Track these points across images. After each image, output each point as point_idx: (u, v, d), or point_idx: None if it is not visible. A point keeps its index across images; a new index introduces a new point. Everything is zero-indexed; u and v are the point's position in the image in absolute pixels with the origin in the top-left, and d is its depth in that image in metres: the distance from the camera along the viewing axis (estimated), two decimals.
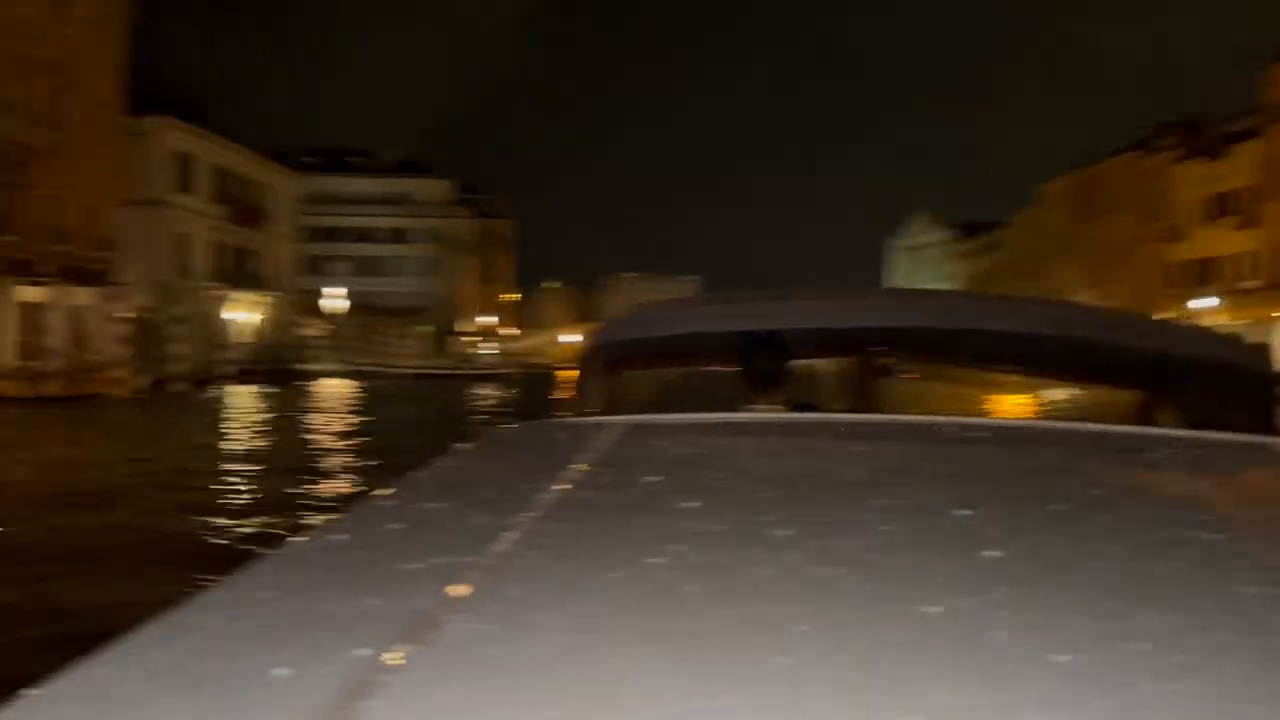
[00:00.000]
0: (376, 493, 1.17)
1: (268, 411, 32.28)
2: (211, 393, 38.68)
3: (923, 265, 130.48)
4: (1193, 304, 59.13)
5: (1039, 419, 2.79)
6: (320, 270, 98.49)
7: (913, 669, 0.63)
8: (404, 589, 0.80)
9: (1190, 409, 2.61)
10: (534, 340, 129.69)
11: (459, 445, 1.56)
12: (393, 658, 0.65)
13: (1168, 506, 1.17)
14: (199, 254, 49.49)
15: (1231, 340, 2.88)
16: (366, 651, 0.66)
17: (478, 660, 0.65)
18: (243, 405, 34.21)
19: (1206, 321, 57.10)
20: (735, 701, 0.59)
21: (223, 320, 51.69)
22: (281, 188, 59.88)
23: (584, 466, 1.31)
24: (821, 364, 3.27)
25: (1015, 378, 3.37)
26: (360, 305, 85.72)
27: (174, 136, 47.42)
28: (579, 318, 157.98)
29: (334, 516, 1.09)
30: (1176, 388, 2.69)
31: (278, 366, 52.50)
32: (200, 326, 45.82)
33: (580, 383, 3.06)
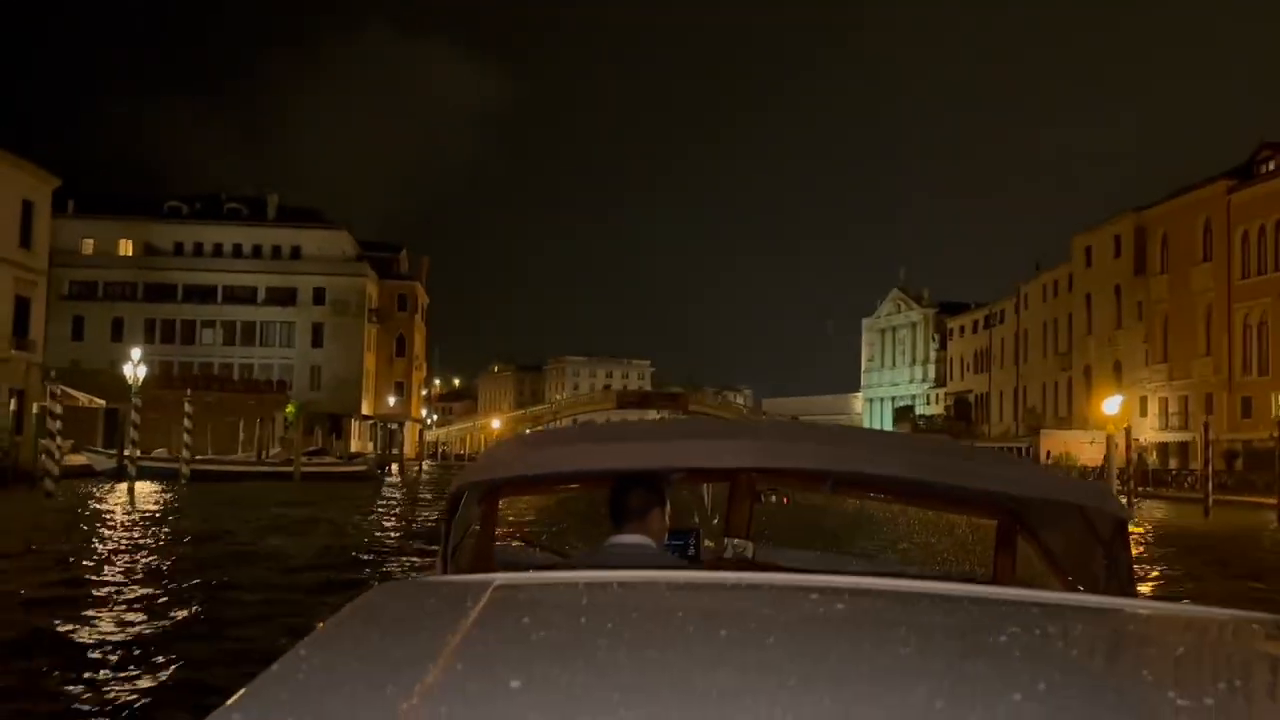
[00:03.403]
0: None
1: None
2: None
3: (898, 346, 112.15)
4: None
5: (918, 574, 2.92)
6: (182, 337, 77.71)
7: None
8: None
9: (1047, 548, 2.88)
10: (459, 426, 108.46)
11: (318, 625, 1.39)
12: None
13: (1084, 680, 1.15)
14: None
15: (1089, 485, 3.02)
16: None
17: None
18: None
19: None
20: None
21: None
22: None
23: (446, 650, 1.18)
24: (697, 492, 3.33)
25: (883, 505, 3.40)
26: (205, 377, 64.37)
27: None
28: (523, 403, 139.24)
29: None
30: (1032, 528, 2.91)
31: None
32: None
33: (449, 522, 2.96)
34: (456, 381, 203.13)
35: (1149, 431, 53.19)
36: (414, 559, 17.09)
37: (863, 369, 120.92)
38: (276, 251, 78.21)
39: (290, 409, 60.68)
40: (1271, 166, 46.48)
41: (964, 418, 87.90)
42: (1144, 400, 54.54)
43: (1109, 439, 36.09)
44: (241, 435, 48.53)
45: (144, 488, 34.14)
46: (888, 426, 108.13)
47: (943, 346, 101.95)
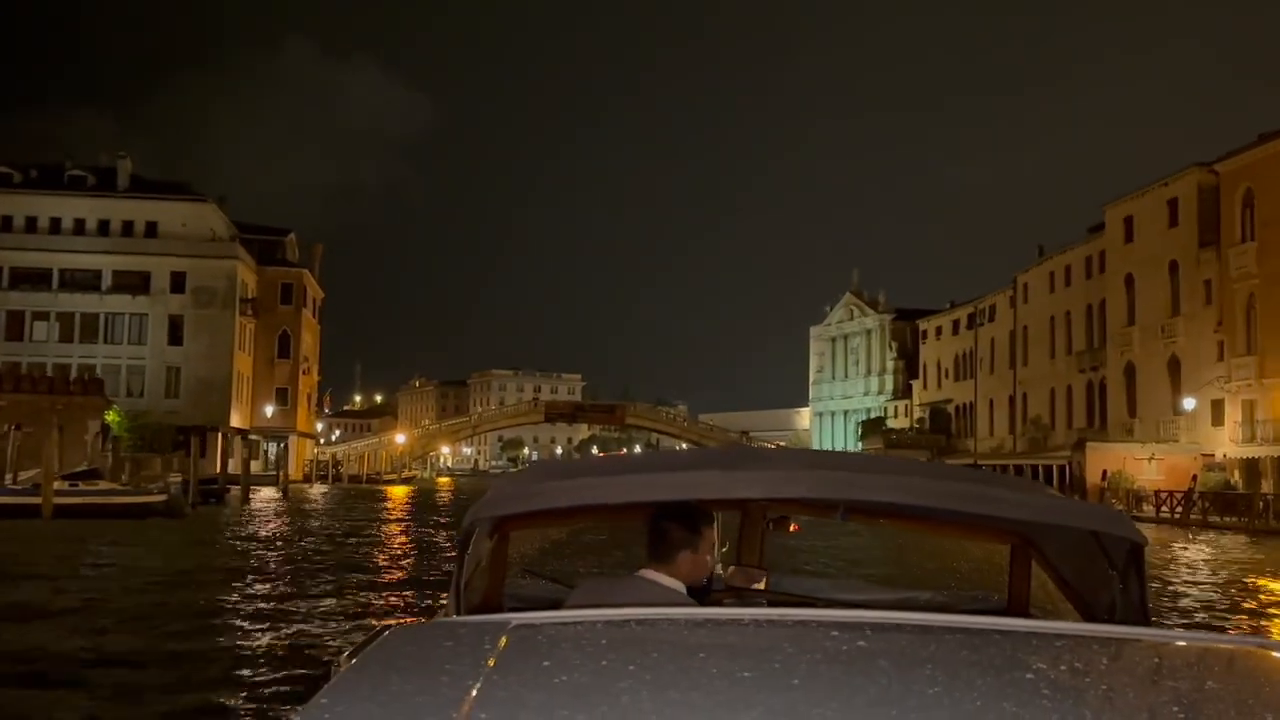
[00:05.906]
0: None
1: None
2: None
3: (850, 355, 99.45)
4: None
5: (934, 601, 2.91)
6: (8, 332, 61.65)
7: None
8: None
9: (1061, 574, 2.78)
10: (363, 443, 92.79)
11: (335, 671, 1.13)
12: None
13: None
14: None
15: (1102, 509, 2.85)
16: None
17: None
18: None
19: None
20: None
21: None
22: None
23: (469, 696, 1.18)
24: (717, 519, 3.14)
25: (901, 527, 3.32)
26: (32, 378, 48.60)
27: None
28: (445, 418, 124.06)
29: None
30: (1045, 553, 2.83)
31: None
32: None
33: (461, 558, 2.67)
34: (379, 398, 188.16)
35: (1227, 444, 40.56)
36: None
37: (811, 380, 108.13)
38: (128, 228, 62.72)
39: (112, 416, 45.12)
40: None
41: (943, 430, 75.14)
42: (1217, 405, 41.87)
43: None
44: (9, 451, 33.21)
45: None
46: (843, 441, 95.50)
47: (901, 355, 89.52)
